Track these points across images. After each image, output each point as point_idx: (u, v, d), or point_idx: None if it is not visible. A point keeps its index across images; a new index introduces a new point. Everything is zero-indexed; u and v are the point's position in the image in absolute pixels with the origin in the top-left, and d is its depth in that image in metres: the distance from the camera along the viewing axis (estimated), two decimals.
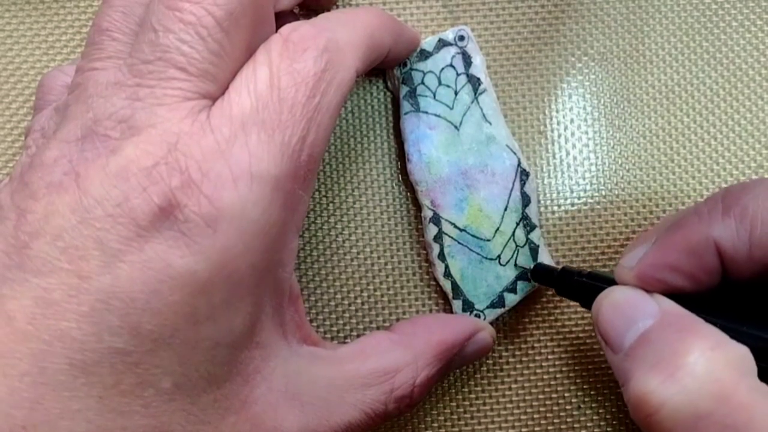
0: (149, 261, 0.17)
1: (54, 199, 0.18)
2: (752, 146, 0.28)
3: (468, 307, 0.26)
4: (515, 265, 0.27)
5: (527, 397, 0.28)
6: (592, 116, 0.28)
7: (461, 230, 0.26)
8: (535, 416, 0.28)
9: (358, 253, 0.28)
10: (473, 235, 0.26)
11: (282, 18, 0.22)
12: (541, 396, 0.28)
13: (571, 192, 0.28)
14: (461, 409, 0.28)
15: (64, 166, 0.18)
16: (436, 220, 0.26)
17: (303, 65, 0.19)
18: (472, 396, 0.28)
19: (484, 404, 0.28)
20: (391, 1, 0.28)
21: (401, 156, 0.27)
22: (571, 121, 0.28)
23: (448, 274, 0.26)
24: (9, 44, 0.28)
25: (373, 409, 0.22)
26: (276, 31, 0.21)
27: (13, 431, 0.16)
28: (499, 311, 0.27)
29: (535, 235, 0.27)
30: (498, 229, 0.26)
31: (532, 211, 0.27)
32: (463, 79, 0.27)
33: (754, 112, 0.28)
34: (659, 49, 0.28)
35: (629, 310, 0.21)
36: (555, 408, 0.28)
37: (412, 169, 0.26)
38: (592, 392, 0.28)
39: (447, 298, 0.27)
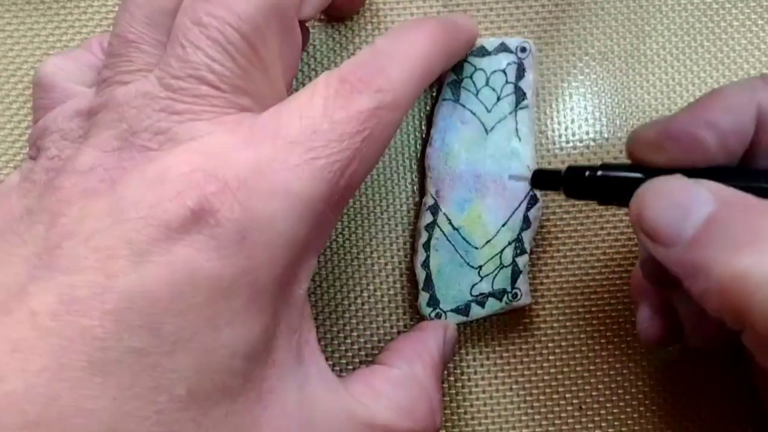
0: (176, 263, 0.17)
1: (88, 203, 0.18)
2: None
3: (433, 302, 0.26)
4: (492, 281, 0.26)
5: (528, 398, 0.28)
6: (593, 116, 0.28)
7: (454, 228, 0.26)
8: (536, 417, 0.28)
9: (357, 253, 0.28)
10: (464, 238, 0.26)
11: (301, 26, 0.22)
12: (542, 397, 0.28)
13: None
14: (461, 410, 0.28)
15: (100, 174, 0.19)
16: (434, 209, 0.26)
17: (358, 104, 0.20)
18: (473, 397, 0.28)
19: (485, 405, 0.28)
20: (392, 1, 0.28)
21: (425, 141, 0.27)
22: (572, 121, 0.28)
23: (426, 264, 0.26)
24: (9, 44, 0.28)
25: None
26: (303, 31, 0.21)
27: (26, 426, 0.16)
28: (461, 318, 0.26)
29: (521, 261, 0.26)
30: (489, 241, 0.26)
31: (527, 236, 0.26)
32: (509, 88, 0.26)
33: None
34: (660, 49, 0.28)
35: (683, 198, 0.19)
36: (556, 409, 0.28)
37: (430, 154, 0.27)
38: (593, 393, 0.28)
39: (414, 286, 0.27)
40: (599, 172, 0.21)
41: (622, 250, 0.28)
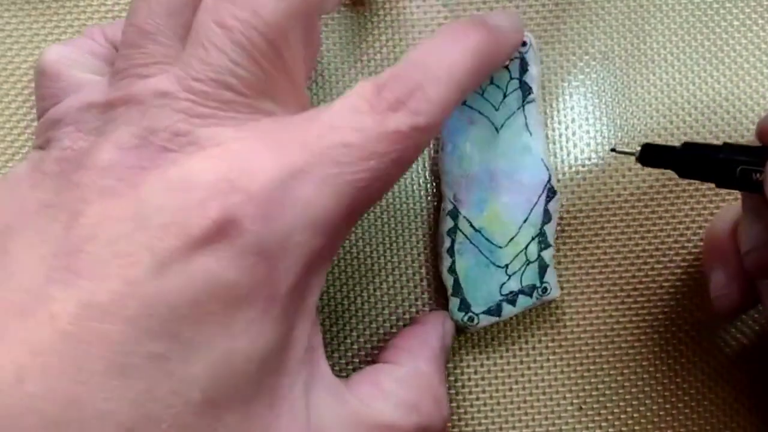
0: (197, 272, 0.17)
1: (108, 204, 0.18)
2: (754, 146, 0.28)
3: (465, 306, 0.26)
4: (521, 278, 0.26)
5: (528, 398, 0.28)
6: (594, 116, 0.28)
7: (476, 230, 0.26)
8: (536, 417, 0.28)
9: (357, 254, 0.28)
10: (486, 238, 0.26)
11: None
12: (542, 397, 0.28)
13: (572, 193, 0.28)
14: (461, 410, 0.28)
15: (118, 172, 0.18)
16: (454, 214, 0.26)
17: (393, 124, 0.19)
18: (473, 396, 0.28)
19: (485, 405, 0.28)
20: (392, 0, 0.28)
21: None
22: (573, 120, 0.28)
23: (452, 270, 0.26)
24: (9, 44, 0.28)
25: None
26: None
27: (46, 427, 0.16)
28: (493, 319, 0.26)
29: (547, 254, 0.26)
30: (512, 239, 0.26)
31: (550, 229, 0.26)
32: (515, 84, 0.26)
33: (756, 111, 0.28)
34: (661, 49, 0.28)
35: None
36: (557, 409, 0.28)
37: (443, 159, 0.26)
38: (594, 393, 0.28)
39: (444, 293, 0.27)
40: (722, 155, 0.20)
41: (622, 250, 0.28)
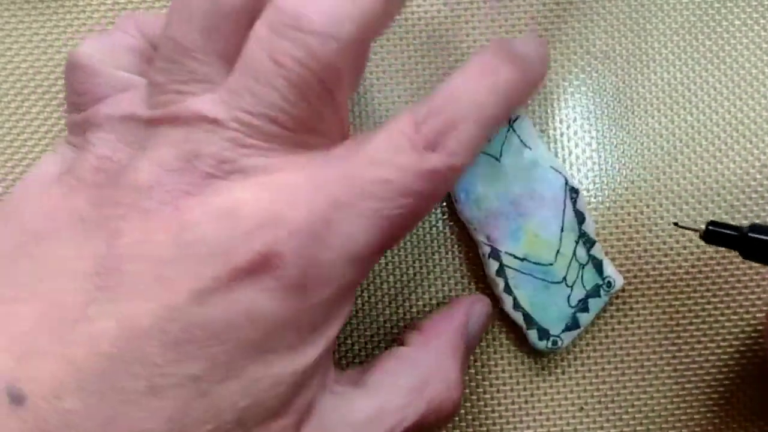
0: (238, 301, 0.18)
1: (152, 227, 0.18)
2: (756, 145, 0.28)
3: (544, 334, 0.26)
4: (583, 284, 0.26)
5: (529, 399, 0.27)
6: (595, 115, 0.28)
7: (522, 260, 0.26)
8: (537, 417, 0.27)
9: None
10: (535, 263, 0.26)
11: None
12: (543, 397, 0.27)
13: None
14: (462, 410, 0.27)
15: (161, 195, 0.18)
16: (495, 254, 0.26)
17: (430, 164, 0.19)
18: (474, 397, 0.27)
19: (486, 405, 0.27)
20: None
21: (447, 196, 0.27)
22: (574, 120, 0.28)
23: (517, 305, 0.26)
24: (8, 43, 0.28)
25: (416, 424, 0.22)
26: None
27: None
28: (575, 333, 0.26)
29: (596, 251, 0.26)
30: (558, 251, 0.26)
31: (588, 227, 0.26)
32: None
33: (758, 111, 0.28)
34: (662, 48, 0.28)
35: None
36: (558, 409, 0.27)
37: (461, 210, 0.26)
38: (596, 393, 0.28)
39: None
40: None
41: (623, 249, 0.28)
